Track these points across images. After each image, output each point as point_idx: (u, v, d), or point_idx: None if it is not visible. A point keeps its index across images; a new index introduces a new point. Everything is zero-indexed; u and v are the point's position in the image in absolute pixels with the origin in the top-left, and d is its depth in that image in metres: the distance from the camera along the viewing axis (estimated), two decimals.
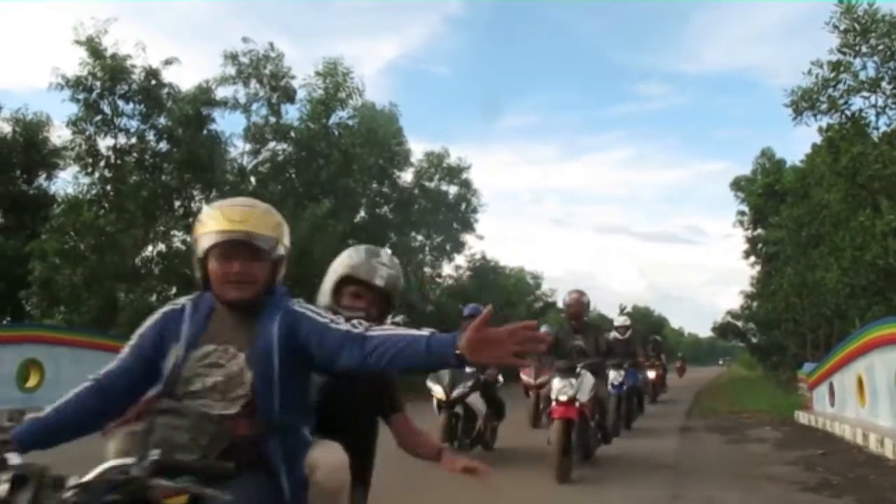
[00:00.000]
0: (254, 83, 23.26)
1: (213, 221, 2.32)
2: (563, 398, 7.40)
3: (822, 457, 9.38)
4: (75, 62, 19.70)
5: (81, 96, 19.97)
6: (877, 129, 14.50)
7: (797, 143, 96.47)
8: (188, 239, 23.62)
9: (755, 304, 31.49)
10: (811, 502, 6.59)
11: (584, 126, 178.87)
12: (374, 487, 2.94)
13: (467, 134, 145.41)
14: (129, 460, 1.93)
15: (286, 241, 2.45)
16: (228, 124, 61.08)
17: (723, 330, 39.18)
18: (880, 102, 14.19)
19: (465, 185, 31.20)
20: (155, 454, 1.88)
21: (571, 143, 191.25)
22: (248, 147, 23.91)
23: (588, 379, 7.89)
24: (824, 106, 14.31)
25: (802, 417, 14.42)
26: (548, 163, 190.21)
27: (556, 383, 7.61)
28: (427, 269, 31.14)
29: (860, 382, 11.12)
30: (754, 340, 35.90)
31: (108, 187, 20.82)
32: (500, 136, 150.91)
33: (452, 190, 31.14)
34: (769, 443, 11.31)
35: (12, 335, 14.14)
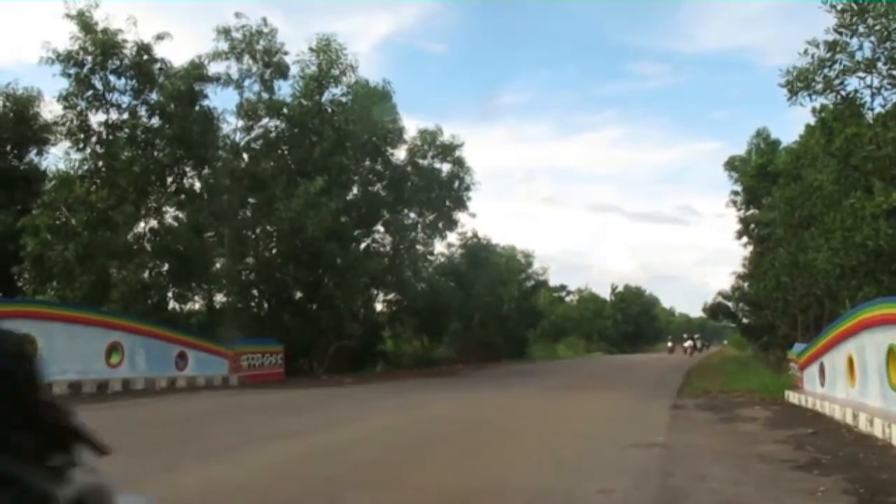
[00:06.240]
0: (247, 59, 23.17)
1: None
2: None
3: (812, 436, 9.45)
4: (66, 36, 19.60)
5: (72, 71, 19.84)
6: (871, 110, 14.43)
7: (793, 123, 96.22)
8: (180, 215, 23.73)
9: (746, 284, 31.57)
10: (801, 480, 6.64)
11: (578, 104, 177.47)
12: (360, 465, 2.95)
13: (461, 111, 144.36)
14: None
15: None
16: (221, 100, 60.76)
17: (714, 310, 39.34)
18: (876, 83, 14.10)
19: (458, 162, 31.09)
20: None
21: (565, 122, 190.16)
22: (240, 123, 23.86)
23: None
24: (819, 86, 14.22)
25: (793, 397, 14.51)
26: (541, 141, 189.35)
27: None
28: (419, 247, 31.12)
29: (851, 363, 11.18)
30: (745, 321, 36.05)
31: (100, 163, 20.72)
32: (494, 114, 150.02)
33: (445, 168, 31.07)
34: (760, 422, 11.39)
35: (4, 310, 14.10)
